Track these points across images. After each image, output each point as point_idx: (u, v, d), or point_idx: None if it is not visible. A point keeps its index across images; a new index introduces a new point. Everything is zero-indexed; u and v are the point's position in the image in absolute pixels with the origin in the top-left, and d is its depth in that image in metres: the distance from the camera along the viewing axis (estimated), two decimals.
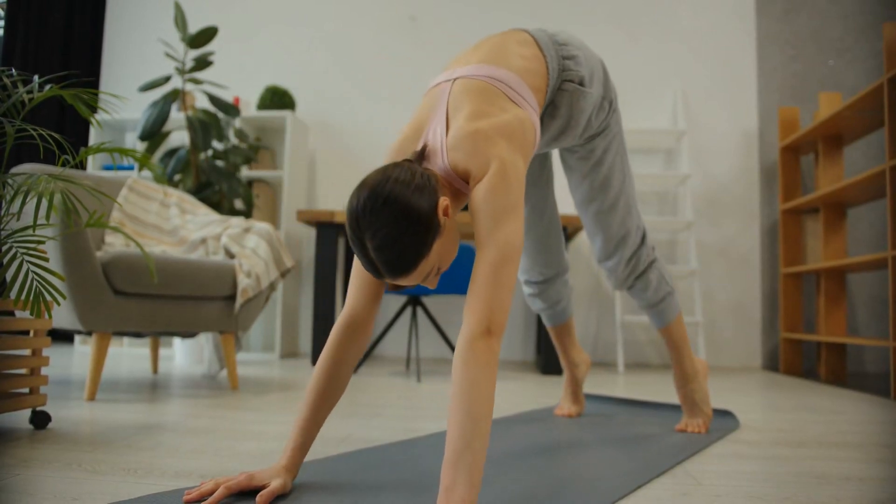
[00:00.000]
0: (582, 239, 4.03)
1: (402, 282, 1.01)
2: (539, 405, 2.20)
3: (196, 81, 3.31)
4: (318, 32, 4.37)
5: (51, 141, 1.53)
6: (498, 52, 1.24)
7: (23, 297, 1.41)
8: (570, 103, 1.33)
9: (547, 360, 3.23)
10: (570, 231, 3.51)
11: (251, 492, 1.04)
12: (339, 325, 1.15)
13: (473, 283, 0.99)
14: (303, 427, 1.11)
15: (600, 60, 1.42)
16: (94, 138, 4.16)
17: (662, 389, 2.72)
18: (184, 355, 3.35)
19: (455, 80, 1.18)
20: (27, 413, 1.77)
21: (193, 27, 4.40)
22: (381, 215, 0.95)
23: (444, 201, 1.00)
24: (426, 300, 4.13)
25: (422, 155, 1.10)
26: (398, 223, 0.95)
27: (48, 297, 2.02)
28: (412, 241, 0.96)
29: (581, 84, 1.32)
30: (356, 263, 1.16)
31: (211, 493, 1.00)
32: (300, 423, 1.11)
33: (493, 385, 0.94)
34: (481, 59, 1.22)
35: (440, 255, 1.02)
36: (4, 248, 1.44)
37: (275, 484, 1.03)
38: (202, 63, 3.31)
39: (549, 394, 2.50)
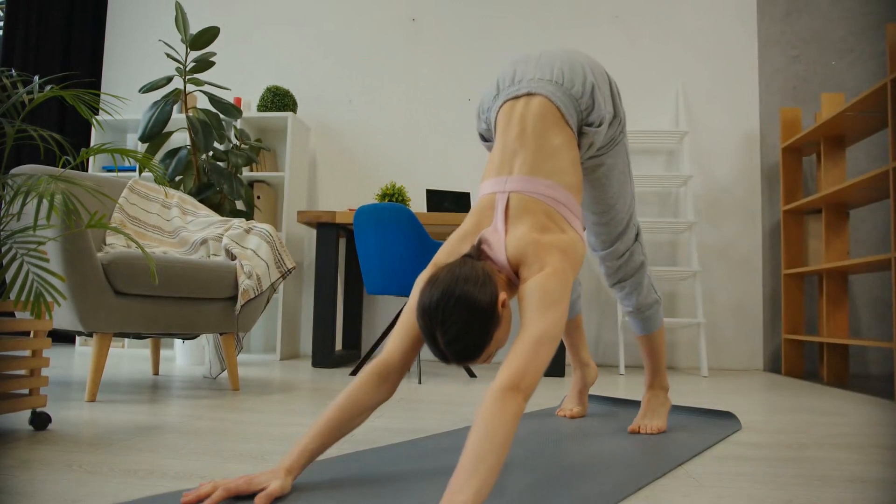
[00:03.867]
0: None
1: (466, 365, 1.14)
2: (540, 406, 2.20)
3: (197, 82, 3.31)
4: (319, 32, 4.37)
5: (51, 142, 1.53)
6: (542, 152, 1.31)
7: (23, 297, 1.40)
8: (590, 142, 1.43)
9: None
10: None
11: (251, 494, 1.03)
12: (374, 367, 1.19)
13: (514, 348, 1.09)
14: (317, 434, 1.12)
15: (604, 73, 1.47)
16: (94, 139, 4.16)
17: None
18: (184, 356, 3.35)
19: (510, 192, 1.28)
20: (27, 414, 1.77)
21: (194, 27, 4.41)
22: (453, 313, 1.08)
23: (502, 295, 1.13)
24: None
25: (479, 248, 1.22)
26: (466, 321, 1.08)
27: (49, 298, 2.02)
28: (478, 334, 1.09)
29: (599, 125, 1.41)
30: (406, 312, 1.23)
31: (209, 496, 1.00)
32: (316, 428, 1.12)
33: (512, 430, 0.98)
34: (529, 167, 1.29)
35: (498, 340, 1.15)
36: (5, 248, 1.43)
37: (273, 486, 1.03)
38: (203, 64, 3.31)
39: (549, 395, 2.50)
